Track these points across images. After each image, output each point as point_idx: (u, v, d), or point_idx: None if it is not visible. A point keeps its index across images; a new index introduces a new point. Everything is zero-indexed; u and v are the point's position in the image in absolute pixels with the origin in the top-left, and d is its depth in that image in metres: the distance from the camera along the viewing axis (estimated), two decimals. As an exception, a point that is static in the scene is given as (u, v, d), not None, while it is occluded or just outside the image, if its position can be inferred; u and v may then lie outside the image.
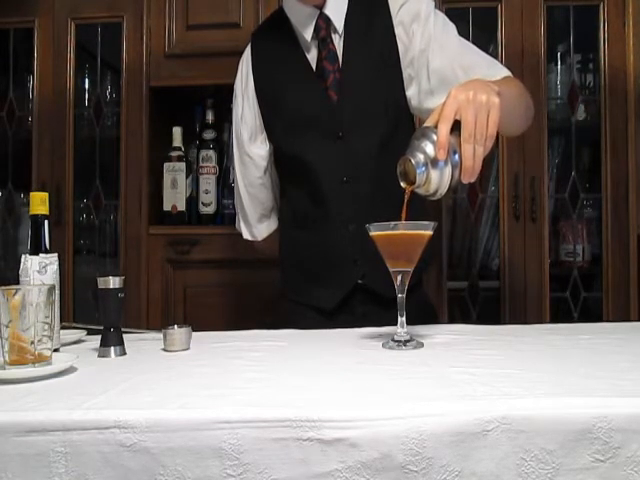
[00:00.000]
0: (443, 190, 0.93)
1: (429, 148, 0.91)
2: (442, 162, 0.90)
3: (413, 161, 0.91)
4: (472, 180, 0.92)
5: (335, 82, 1.24)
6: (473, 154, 0.90)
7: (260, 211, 1.41)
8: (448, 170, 0.91)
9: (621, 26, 1.87)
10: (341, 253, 1.25)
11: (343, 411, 0.59)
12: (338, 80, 1.24)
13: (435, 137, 0.90)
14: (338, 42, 1.26)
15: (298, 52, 1.27)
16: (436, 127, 0.91)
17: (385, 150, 1.23)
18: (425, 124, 0.96)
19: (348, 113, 1.24)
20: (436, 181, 0.92)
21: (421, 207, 1.29)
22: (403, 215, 0.96)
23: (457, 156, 0.91)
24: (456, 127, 0.91)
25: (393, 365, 0.81)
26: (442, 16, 1.25)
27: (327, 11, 1.24)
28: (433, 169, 0.91)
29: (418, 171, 0.91)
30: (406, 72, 1.24)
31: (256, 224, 1.42)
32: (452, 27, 1.25)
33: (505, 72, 1.21)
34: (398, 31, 1.23)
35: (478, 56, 1.23)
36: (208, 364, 0.86)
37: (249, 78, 1.33)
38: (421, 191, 0.94)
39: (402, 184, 0.95)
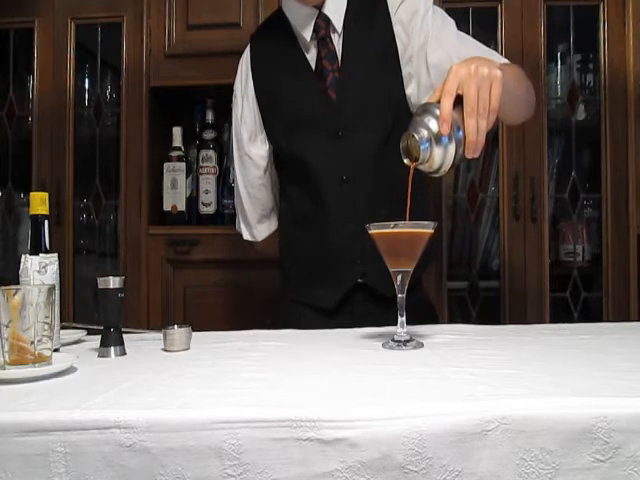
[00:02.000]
0: (447, 167, 0.92)
1: (432, 123, 0.90)
2: (446, 137, 0.89)
3: (417, 136, 0.90)
4: (476, 155, 0.92)
5: (334, 81, 1.24)
6: (477, 129, 0.90)
7: (260, 211, 1.41)
8: (452, 146, 0.90)
9: (621, 26, 1.87)
10: (341, 252, 1.25)
11: (343, 411, 0.59)
12: (337, 79, 1.24)
13: (438, 112, 0.90)
14: (337, 41, 1.26)
15: (297, 52, 1.27)
16: (438, 102, 0.91)
17: (384, 149, 1.23)
18: (427, 100, 0.95)
19: (347, 112, 1.24)
20: (440, 157, 0.91)
21: (422, 207, 1.29)
22: (409, 196, 0.94)
23: (460, 132, 0.90)
24: (458, 102, 0.90)
25: (393, 365, 0.81)
26: (441, 12, 1.26)
27: (326, 11, 1.25)
28: (437, 145, 0.90)
29: (422, 147, 0.90)
30: (405, 70, 1.24)
31: (256, 224, 1.42)
32: (451, 22, 1.25)
33: (504, 61, 1.21)
34: (397, 30, 1.23)
35: (477, 48, 1.22)
36: (208, 364, 0.86)
37: (248, 79, 1.33)
38: (424, 167, 0.93)
39: (405, 161, 0.94)
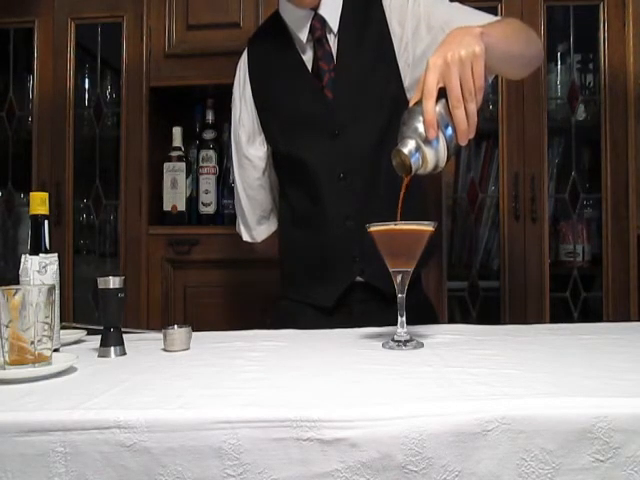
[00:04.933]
0: (442, 164, 0.92)
1: (419, 129, 0.90)
2: (435, 140, 0.89)
3: (405, 151, 0.90)
4: (471, 137, 0.91)
5: (331, 81, 1.24)
6: (465, 115, 0.89)
7: (259, 213, 1.41)
8: (442, 144, 0.90)
9: (621, 26, 1.87)
10: (339, 250, 1.26)
11: (343, 411, 0.59)
12: (334, 79, 1.24)
13: (421, 118, 0.89)
14: (333, 42, 1.26)
15: (294, 54, 1.28)
16: (420, 103, 0.90)
17: (381, 145, 1.23)
18: (411, 102, 0.94)
19: (344, 111, 1.24)
20: (433, 159, 0.91)
21: (421, 207, 1.30)
22: (399, 206, 0.94)
23: (450, 128, 0.90)
24: (442, 95, 0.90)
25: (393, 365, 0.81)
26: None
27: (322, 12, 1.25)
28: (427, 149, 0.90)
29: (412, 160, 0.90)
30: (402, 61, 1.24)
31: (255, 226, 1.42)
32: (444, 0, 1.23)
33: (498, 19, 1.18)
34: (392, 23, 1.23)
35: (469, 15, 1.19)
36: (208, 364, 0.86)
37: (246, 82, 1.34)
38: (421, 171, 0.93)
39: (400, 174, 0.94)
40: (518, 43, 1.10)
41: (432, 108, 0.88)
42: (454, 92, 0.89)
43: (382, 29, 1.23)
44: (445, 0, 1.24)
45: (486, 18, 1.18)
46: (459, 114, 0.89)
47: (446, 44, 0.93)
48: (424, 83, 0.90)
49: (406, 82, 1.25)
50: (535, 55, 1.18)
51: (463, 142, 0.91)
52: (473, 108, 0.90)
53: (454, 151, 0.93)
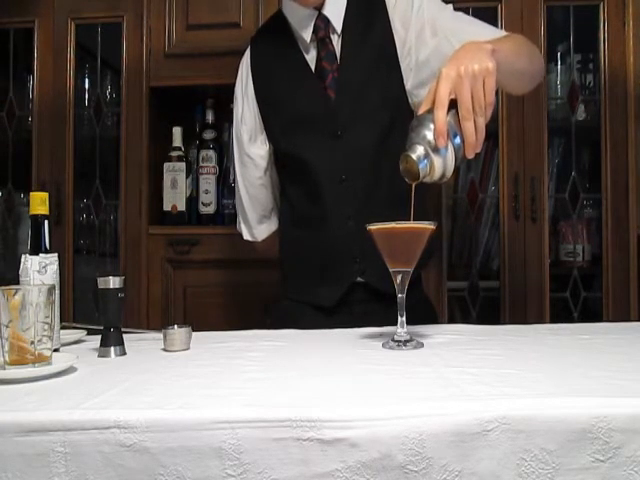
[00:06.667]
0: (449, 174, 0.93)
1: (428, 137, 0.90)
2: (443, 149, 0.90)
3: (414, 156, 0.90)
4: (477, 151, 0.92)
5: (333, 81, 1.24)
6: (475, 129, 0.90)
7: (260, 212, 1.41)
8: (450, 154, 0.90)
9: (621, 26, 1.87)
10: (340, 250, 1.26)
11: (343, 411, 0.59)
12: (336, 79, 1.24)
13: (432, 125, 0.89)
14: (337, 42, 1.26)
15: (297, 53, 1.28)
16: (430, 111, 0.90)
17: (383, 147, 1.23)
18: (421, 109, 0.95)
19: (346, 111, 1.24)
20: (440, 168, 0.91)
21: (421, 208, 1.29)
22: (411, 212, 0.94)
23: (458, 137, 0.90)
24: (452, 105, 0.90)
25: (393, 365, 0.81)
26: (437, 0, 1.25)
27: (325, 12, 1.25)
28: (436, 157, 0.90)
29: (420, 166, 0.90)
30: (404, 64, 1.24)
31: (256, 225, 1.42)
32: (448, 6, 1.24)
33: (503, 34, 1.19)
34: (395, 26, 1.23)
35: (474, 27, 1.20)
36: (208, 364, 0.86)
37: (249, 80, 1.34)
38: (427, 179, 0.93)
39: (407, 180, 0.94)
40: (523, 60, 1.12)
41: (443, 117, 0.88)
42: (465, 104, 0.90)
43: (385, 31, 1.24)
44: (449, 7, 1.24)
45: (489, 29, 1.20)
46: (469, 126, 0.90)
47: (459, 57, 0.94)
48: (436, 92, 0.91)
49: (408, 85, 1.25)
50: (538, 71, 1.21)
51: (470, 155, 0.91)
52: (482, 122, 0.90)
53: (459, 162, 0.93)
